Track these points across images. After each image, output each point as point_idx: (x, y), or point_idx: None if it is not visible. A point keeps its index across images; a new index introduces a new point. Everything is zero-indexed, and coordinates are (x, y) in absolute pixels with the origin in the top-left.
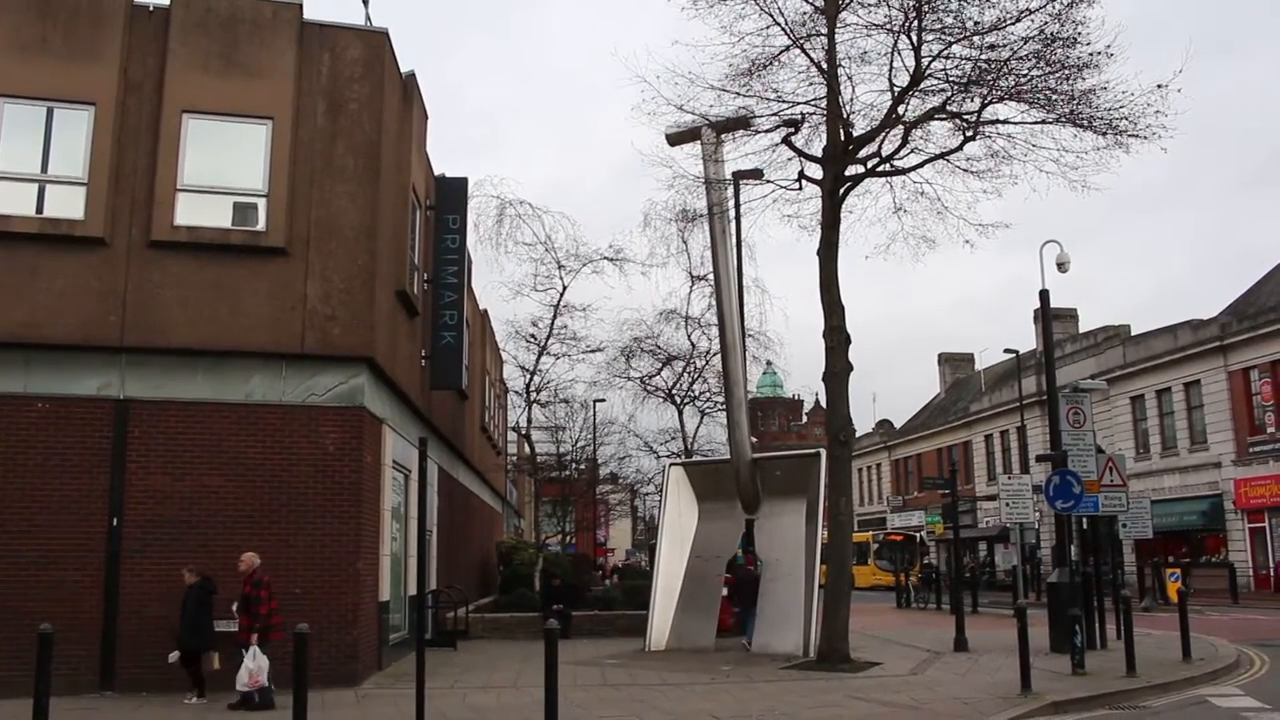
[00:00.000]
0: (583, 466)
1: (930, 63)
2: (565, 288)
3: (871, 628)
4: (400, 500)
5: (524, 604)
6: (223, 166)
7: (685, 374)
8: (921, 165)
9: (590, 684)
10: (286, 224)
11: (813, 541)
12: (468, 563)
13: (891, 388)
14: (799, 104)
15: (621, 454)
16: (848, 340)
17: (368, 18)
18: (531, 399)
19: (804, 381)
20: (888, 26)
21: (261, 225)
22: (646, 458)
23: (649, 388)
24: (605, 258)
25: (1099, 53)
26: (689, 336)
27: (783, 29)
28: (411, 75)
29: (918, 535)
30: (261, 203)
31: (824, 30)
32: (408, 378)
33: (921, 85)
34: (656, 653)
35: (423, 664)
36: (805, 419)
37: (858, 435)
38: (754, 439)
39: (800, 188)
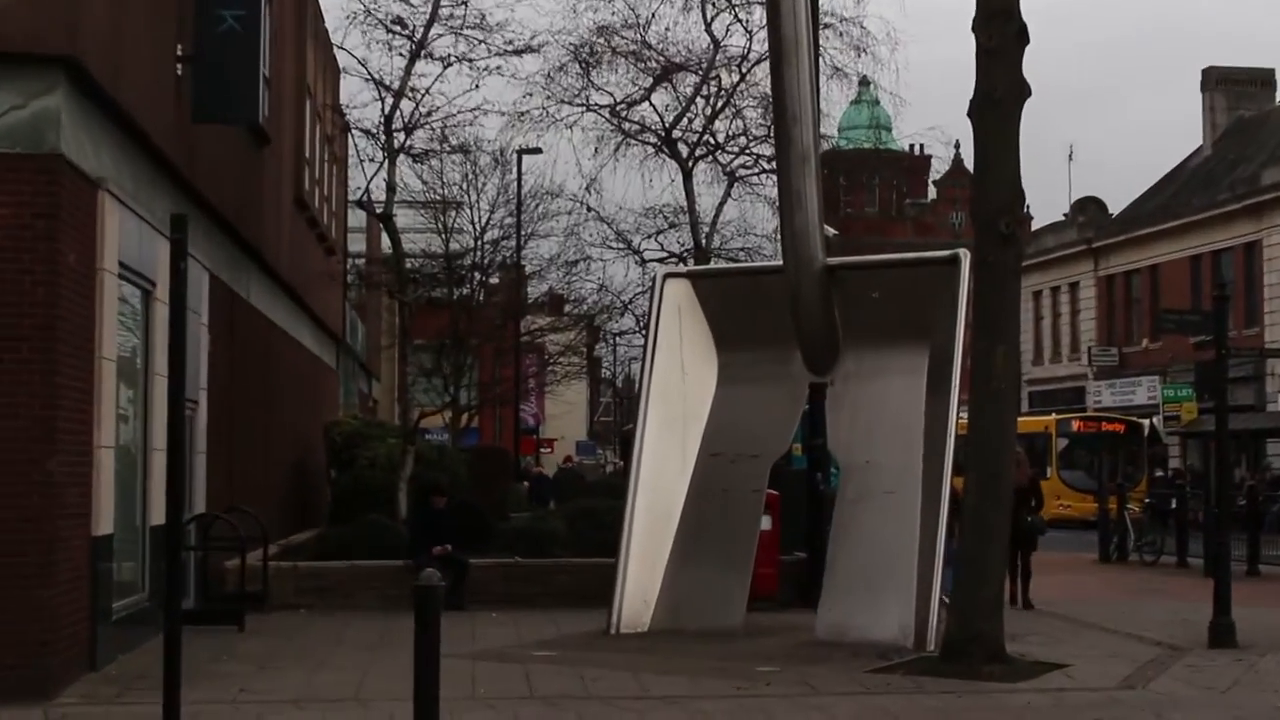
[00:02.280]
0: (495, 280)
1: None
2: None
3: (1053, 597)
4: (137, 343)
5: (377, 543)
6: None
7: (699, 102)
8: None
9: (504, 696)
10: None
11: (939, 431)
12: (269, 466)
13: (1103, 139)
14: None
15: (573, 255)
16: (1023, 35)
17: None
18: (397, 146)
19: (931, 120)
20: None
21: None
22: (621, 263)
23: (627, 127)
24: None
25: None
26: (708, 25)
27: None
28: None
29: (1145, 424)
30: None
31: None
32: (149, 101)
33: None
34: (632, 637)
35: (177, 660)
36: (933, 191)
37: (1035, 226)
38: (831, 229)
39: None
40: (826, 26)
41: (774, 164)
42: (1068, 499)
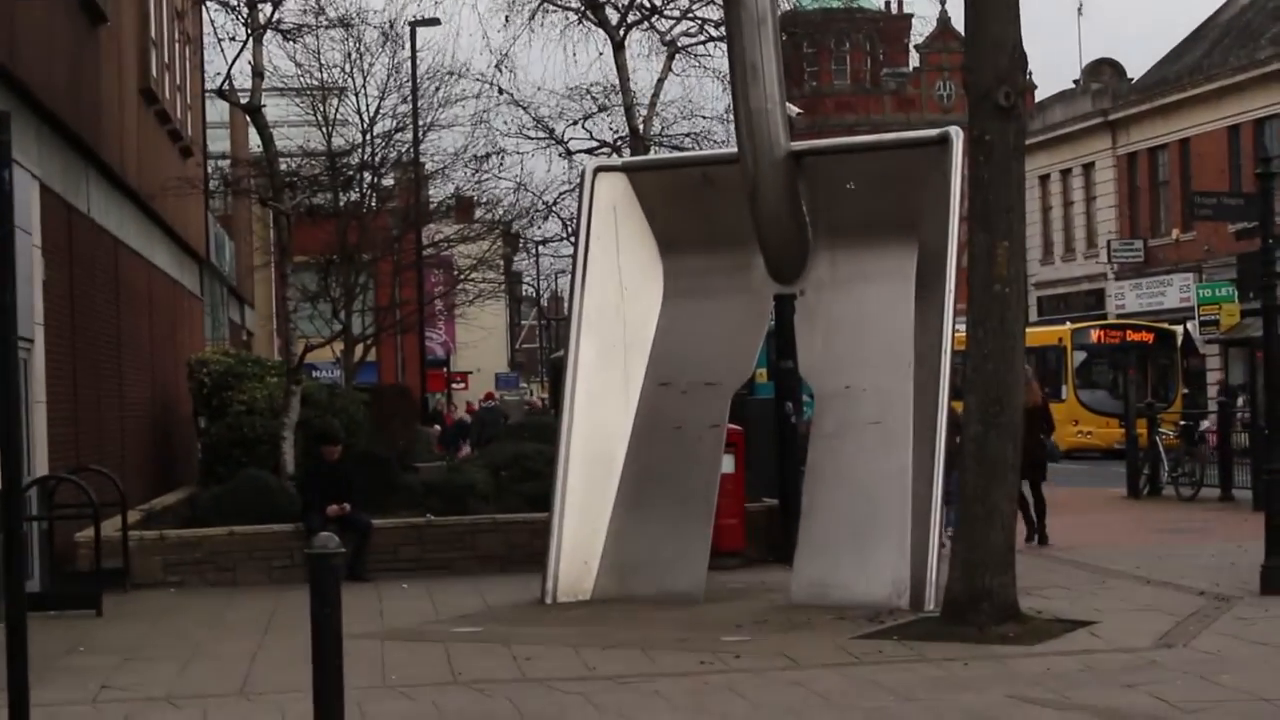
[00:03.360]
0: (390, 181)
1: None
2: None
3: (1073, 541)
4: None
5: (259, 504)
6: None
7: None
8: None
9: (422, 682)
10: None
11: (932, 347)
12: (124, 416)
13: None
14: None
15: (483, 148)
16: None
17: None
18: (263, 20)
19: None
20: None
21: None
22: (542, 156)
23: None
24: None
25: None
26: None
27: None
28: None
29: (1178, 331)
30: None
31: None
32: None
33: None
34: (573, 606)
35: (23, 653)
36: (915, 58)
37: (1040, 97)
38: (794, 108)
39: None
40: None
41: (723, 30)
42: (1088, 424)
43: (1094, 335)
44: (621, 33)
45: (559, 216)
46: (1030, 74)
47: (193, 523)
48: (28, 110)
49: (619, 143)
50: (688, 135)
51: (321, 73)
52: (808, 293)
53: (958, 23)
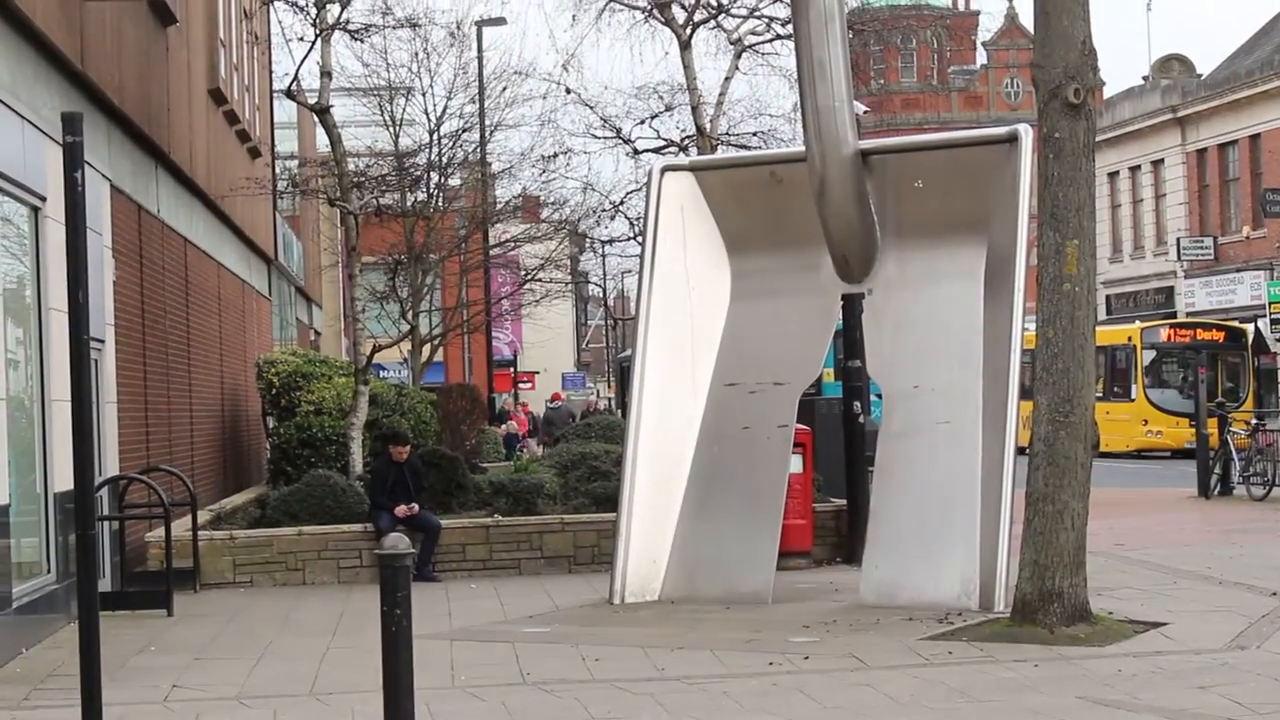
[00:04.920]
0: (457, 181)
1: None
2: None
3: (1143, 542)
4: (25, 271)
5: (328, 505)
6: None
7: None
8: None
9: (490, 683)
10: None
11: (1001, 347)
12: (194, 416)
13: None
14: None
15: (550, 148)
16: None
17: None
18: (331, 20)
19: None
20: None
21: None
22: (609, 156)
23: None
24: None
25: None
26: None
27: None
28: None
29: (1249, 329)
30: None
31: None
32: None
33: None
34: (640, 607)
35: (96, 653)
36: (982, 55)
37: (1109, 94)
38: (862, 106)
39: None
40: None
41: (790, 28)
42: (1158, 423)
43: (1164, 334)
44: (688, 31)
45: (626, 216)
46: (1100, 70)
47: (262, 523)
48: (98, 111)
49: (686, 142)
50: (754, 134)
51: (389, 73)
52: (876, 292)
53: (1026, 19)
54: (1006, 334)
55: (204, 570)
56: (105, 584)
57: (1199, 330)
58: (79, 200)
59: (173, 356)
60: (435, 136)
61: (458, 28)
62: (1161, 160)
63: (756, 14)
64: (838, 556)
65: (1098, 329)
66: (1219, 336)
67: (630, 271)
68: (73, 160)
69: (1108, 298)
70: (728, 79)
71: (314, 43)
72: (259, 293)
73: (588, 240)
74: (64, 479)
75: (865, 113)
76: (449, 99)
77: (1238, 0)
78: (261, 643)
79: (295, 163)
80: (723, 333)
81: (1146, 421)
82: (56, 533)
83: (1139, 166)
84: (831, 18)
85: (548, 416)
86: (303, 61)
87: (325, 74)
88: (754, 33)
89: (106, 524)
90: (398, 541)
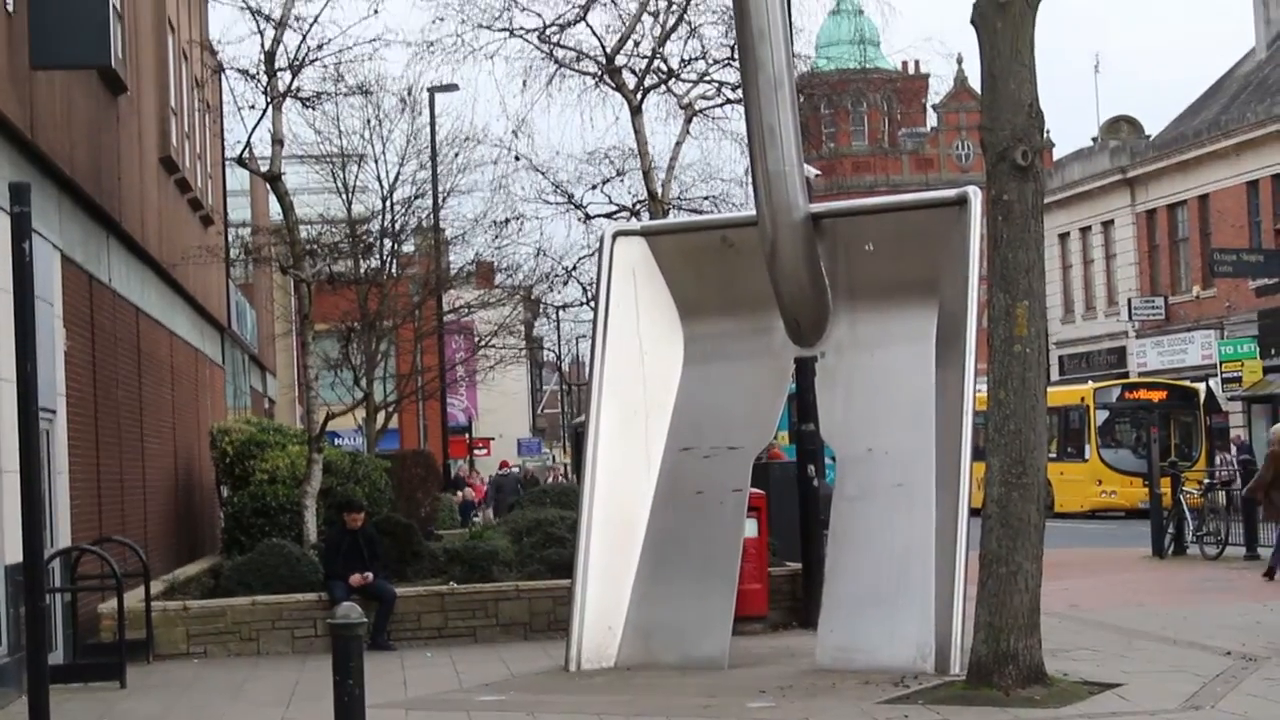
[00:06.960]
0: (410, 248)
1: None
2: None
3: (1098, 603)
4: None
5: (282, 574)
6: None
7: (646, 20)
8: None
9: None
10: None
11: (954, 409)
12: (147, 486)
13: (1135, 45)
14: None
15: (502, 213)
16: None
17: None
18: (282, 89)
19: (927, 29)
20: None
21: None
22: (561, 221)
23: (561, 55)
24: None
25: None
26: None
27: None
28: None
29: (1200, 389)
30: None
31: None
32: None
33: None
34: (597, 674)
35: None
36: (932, 118)
37: (1058, 155)
38: (812, 170)
39: None
40: None
41: (740, 93)
42: (1111, 483)
43: (1116, 394)
44: (639, 96)
45: (579, 281)
46: (1048, 132)
47: (216, 593)
48: (48, 181)
49: (637, 206)
50: (706, 198)
51: (341, 139)
52: (828, 355)
53: (974, 82)
54: (959, 396)
55: (157, 641)
56: (58, 656)
57: (1152, 390)
58: (27, 271)
59: (125, 426)
60: (388, 203)
61: (409, 94)
62: (1111, 221)
63: (707, 79)
64: (793, 620)
65: (1051, 389)
66: (1170, 396)
67: (584, 336)
68: (20, 231)
69: (1060, 358)
70: (679, 143)
71: (265, 110)
72: (212, 361)
73: (541, 306)
74: (14, 551)
75: (816, 176)
76: (401, 165)
77: (1185, 62)
78: (215, 714)
79: (248, 230)
80: (676, 397)
81: (1100, 481)
82: (8, 605)
83: (1089, 227)
84: (781, 83)
85: (496, 483)
86: (254, 129)
87: (277, 141)
88: (704, 97)
89: (59, 595)
90: (350, 611)
